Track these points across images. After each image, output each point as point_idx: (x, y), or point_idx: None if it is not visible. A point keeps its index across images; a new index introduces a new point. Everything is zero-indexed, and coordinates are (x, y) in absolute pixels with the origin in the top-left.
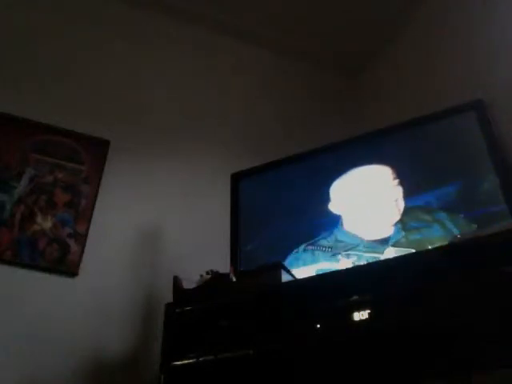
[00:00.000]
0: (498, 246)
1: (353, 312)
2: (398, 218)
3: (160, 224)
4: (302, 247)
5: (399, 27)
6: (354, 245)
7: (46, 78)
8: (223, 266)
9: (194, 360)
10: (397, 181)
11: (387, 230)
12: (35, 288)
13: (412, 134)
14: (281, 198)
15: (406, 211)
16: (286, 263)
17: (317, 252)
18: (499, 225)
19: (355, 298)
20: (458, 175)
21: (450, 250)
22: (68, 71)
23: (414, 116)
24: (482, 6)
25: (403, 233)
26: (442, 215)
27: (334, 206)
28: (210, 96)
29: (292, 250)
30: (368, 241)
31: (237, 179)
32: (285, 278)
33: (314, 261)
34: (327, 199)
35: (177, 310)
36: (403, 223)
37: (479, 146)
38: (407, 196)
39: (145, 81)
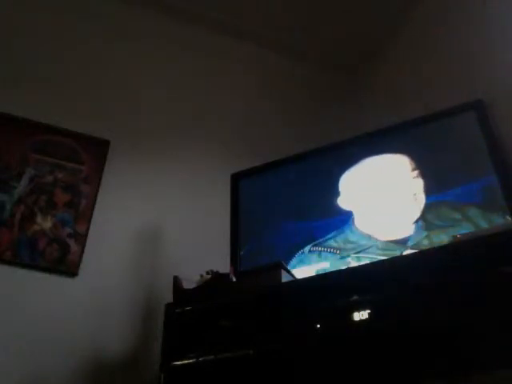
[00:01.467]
0: (497, 245)
1: (353, 312)
2: (418, 215)
3: (160, 224)
4: (307, 248)
5: (399, 27)
6: (365, 246)
7: (45, 77)
8: (223, 266)
9: (194, 360)
10: (416, 172)
11: (406, 230)
12: (35, 288)
13: (412, 133)
14: (281, 197)
15: (429, 207)
16: (291, 265)
17: (324, 254)
18: (499, 225)
19: (355, 297)
20: (492, 170)
21: (450, 250)
22: (68, 71)
23: (414, 116)
24: (482, 6)
25: (425, 233)
26: (475, 212)
27: (343, 201)
28: (210, 96)
29: (296, 251)
30: (383, 242)
31: (237, 179)
32: (285, 278)
33: (320, 263)
34: (331, 198)
35: (177, 310)
36: (425, 221)
37: (479, 146)
38: (430, 190)
39: (145, 81)
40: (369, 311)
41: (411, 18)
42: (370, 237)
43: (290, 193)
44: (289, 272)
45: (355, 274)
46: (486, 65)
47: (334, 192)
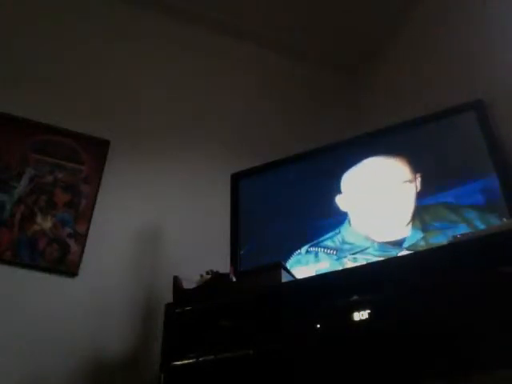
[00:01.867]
0: (497, 245)
1: (353, 312)
2: (415, 216)
3: (160, 224)
4: (304, 248)
5: (399, 27)
6: (362, 247)
7: (45, 77)
8: (223, 266)
9: (194, 360)
10: (414, 173)
11: (402, 231)
12: (35, 288)
13: (412, 134)
14: (281, 198)
15: (427, 209)
16: (288, 264)
17: (320, 254)
18: (499, 225)
19: (355, 297)
20: (492, 170)
21: (450, 250)
22: (68, 71)
23: (414, 116)
24: (482, 6)
25: (422, 234)
26: (472, 214)
27: (343, 200)
28: (210, 96)
29: (294, 251)
30: (379, 243)
31: (237, 179)
32: (285, 278)
33: (317, 263)
34: (330, 199)
35: (177, 310)
36: (422, 223)
37: (479, 146)
38: (428, 191)
39: (145, 81)
40: (369, 311)
41: (411, 18)
42: (366, 238)
43: (290, 193)
44: (289, 272)
45: (355, 273)
46: (486, 65)
47: (334, 192)
